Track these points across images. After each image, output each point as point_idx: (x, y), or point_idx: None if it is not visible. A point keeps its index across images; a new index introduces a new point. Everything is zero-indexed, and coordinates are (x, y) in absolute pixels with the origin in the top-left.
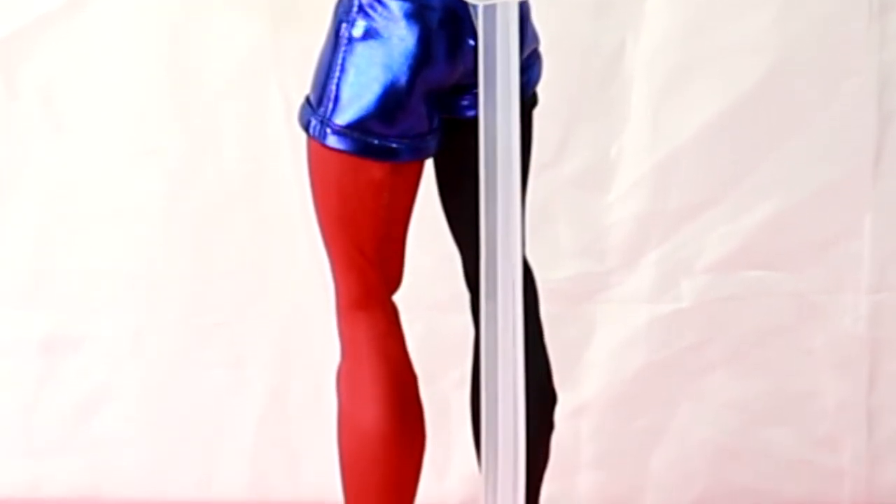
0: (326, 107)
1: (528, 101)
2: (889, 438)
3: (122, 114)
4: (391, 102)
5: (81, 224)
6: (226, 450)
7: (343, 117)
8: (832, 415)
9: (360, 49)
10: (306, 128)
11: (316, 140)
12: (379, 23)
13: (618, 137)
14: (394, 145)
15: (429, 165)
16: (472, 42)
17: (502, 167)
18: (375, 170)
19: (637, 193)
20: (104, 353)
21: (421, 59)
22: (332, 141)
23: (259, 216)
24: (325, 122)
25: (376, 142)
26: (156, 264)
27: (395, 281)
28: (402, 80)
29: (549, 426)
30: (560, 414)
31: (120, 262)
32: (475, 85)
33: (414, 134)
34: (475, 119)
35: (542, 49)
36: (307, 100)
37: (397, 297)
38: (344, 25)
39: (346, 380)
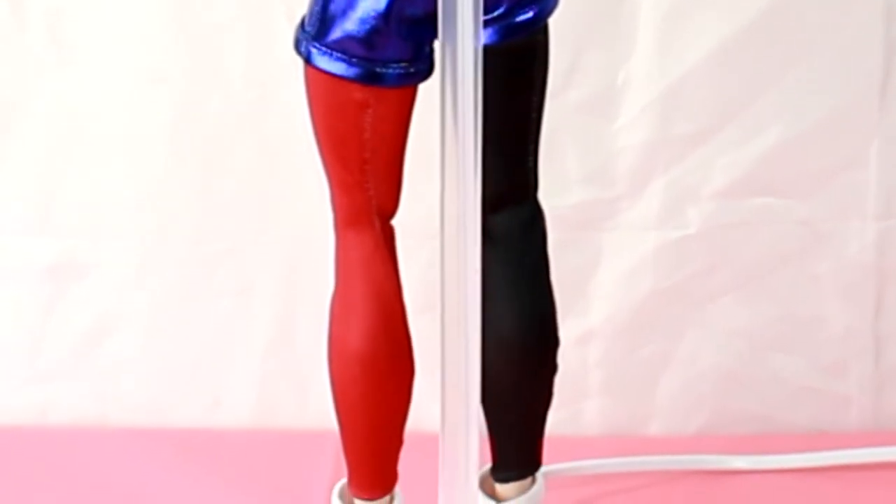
0: (314, 25)
1: (542, 31)
2: None
3: (128, 41)
4: (368, 27)
5: (88, 151)
6: (233, 377)
7: (325, 37)
8: (839, 342)
9: None
10: (296, 46)
11: (303, 58)
12: None
13: (625, 64)
14: (374, 69)
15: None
16: None
17: (462, 100)
18: (356, 91)
19: (644, 120)
20: (111, 280)
21: None
22: (316, 59)
23: (265, 143)
24: (310, 40)
25: (356, 63)
26: (163, 191)
27: (387, 205)
28: (381, 6)
29: (550, 368)
30: (567, 341)
31: (126, 190)
32: None
33: (395, 59)
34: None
35: None
36: (301, 20)
37: (403, 226)
38: None
39: (334, 300)
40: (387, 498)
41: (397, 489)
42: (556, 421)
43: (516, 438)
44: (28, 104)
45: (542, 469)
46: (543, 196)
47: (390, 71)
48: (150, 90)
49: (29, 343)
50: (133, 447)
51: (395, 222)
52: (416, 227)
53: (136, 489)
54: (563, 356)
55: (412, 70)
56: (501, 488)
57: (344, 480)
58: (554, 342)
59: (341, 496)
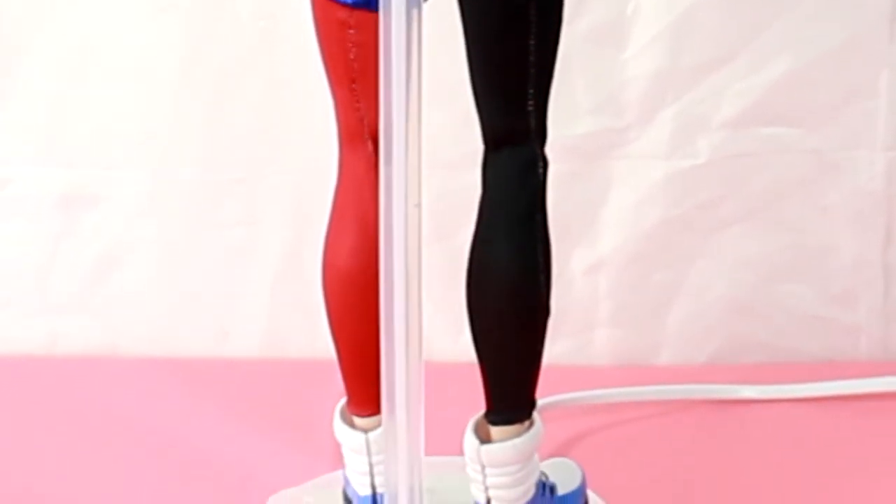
0: None
1: None
2: None
3: None
4: None
5: (97, 82)
6: (241, 307)
7: None
8: (848, 271)
9: None
10: None
11: None
12: None
13: None
14: None
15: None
16: None
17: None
18: (339, 10)
19: (653, 50)
20: (121, 210)
21: None
22: None
23: (274, 74)
24: None
25: None
26: (172, 122)
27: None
28: None
29: (537, 310)
30: (576, 271)
31: (136, 121)
32: None
33: None
34: None
35: None
36: None
37: None
38: None
39: (329, 217)
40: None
41: None
42: (566, 351)
43: (504, 381)
44: (38, 35)
45: (553, 399)
46: (552, 126)
47: None
48: (159, 20)
49: (39, 273)
50: (142, 377)
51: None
52: (426, 157)
53: (144, 419)
54: (573, 286)
55: None
56: (495, 431)
57: (344, 400)
58: (540, 284)
59: (342, 415)
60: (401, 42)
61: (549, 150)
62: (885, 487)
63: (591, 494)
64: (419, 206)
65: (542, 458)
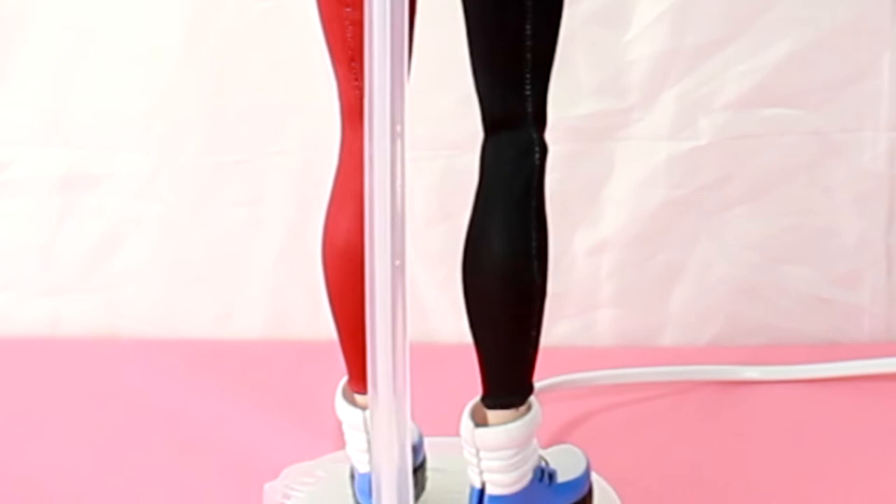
0: None
1: None
2: None
3: None
4: None
5: (99, 62)
6: (244, 287)
7: None
8: (851, 252)
9: None
10: None
11: None
12: None
13: None
14: None
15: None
16: None
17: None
18: None
19: (656, 31)
20: (123, 190)
21: None
22: None
23: (277, 54)
24: None
25: None
26: (174, 102)
27: None
28: None
29: (530, 294)
30: (579, 252)
31: (138, 100)
32: None
33: None
34: None
35: None
36: None
37: (417, 137)
38: None
39: (331, 190)
40: None
41: None
42: (568, 332)
43: (499, 365)
44: (39, 15)
45: (555, 380)
46: (555, 107)
47: None
48: (161, 1)
49: (40, 254)
50: (144, 358)
51: (409, 134)
52: (430, 138)
53: (147, 400)
54: (575, 267)
55: None
56: (490, 415)
57: (346, 378)
58: (533, 270)
59: (344, 393)
60: (385, 21)
61: (552, 131)
62: (887, 468)
63: (593, 476)
64: (403, 186)
65: (543, 440)
